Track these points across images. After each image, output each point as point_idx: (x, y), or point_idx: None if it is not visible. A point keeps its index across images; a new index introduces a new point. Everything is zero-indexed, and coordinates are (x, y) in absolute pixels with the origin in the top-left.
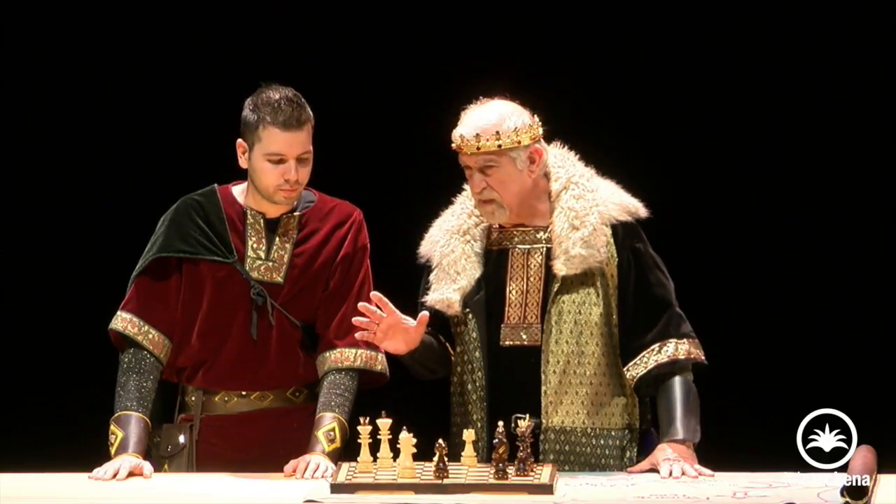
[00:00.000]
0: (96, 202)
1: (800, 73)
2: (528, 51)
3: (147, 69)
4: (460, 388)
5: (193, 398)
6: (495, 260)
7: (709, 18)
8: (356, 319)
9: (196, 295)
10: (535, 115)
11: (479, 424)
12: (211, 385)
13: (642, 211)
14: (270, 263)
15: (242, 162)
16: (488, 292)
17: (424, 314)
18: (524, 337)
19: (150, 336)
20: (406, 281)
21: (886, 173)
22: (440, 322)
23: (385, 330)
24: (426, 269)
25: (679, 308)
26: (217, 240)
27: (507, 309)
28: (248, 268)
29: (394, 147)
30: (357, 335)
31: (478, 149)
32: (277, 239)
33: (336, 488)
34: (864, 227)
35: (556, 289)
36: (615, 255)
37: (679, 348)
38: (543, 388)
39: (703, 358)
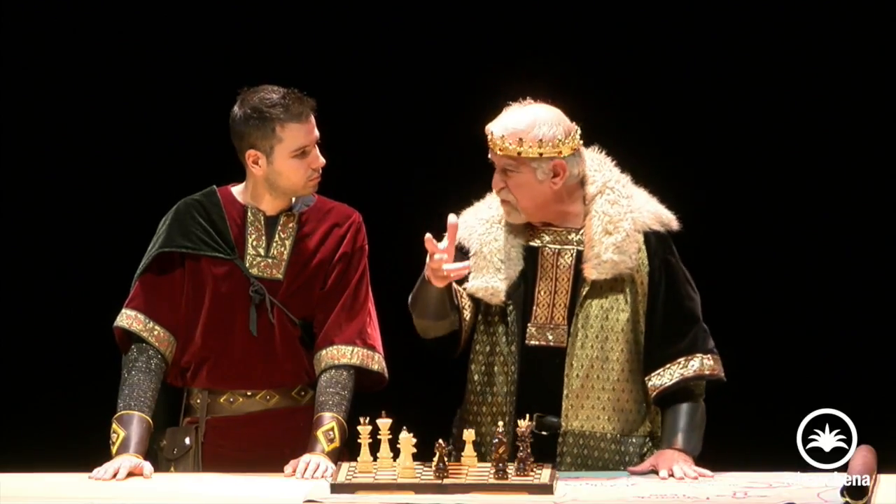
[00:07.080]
0: (98, 201)
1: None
2: (527, 52)
3: (148, 70)
4: (488, 385)
5: (198, 400)
6: (526, 256)
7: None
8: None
9: (198, 292)
10: (578, 128)
11: (507, 418)
12: (215, 384)
13: (675, 224)
14: (270, 260)
15: (257, 171)
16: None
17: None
18: (550, 338)
19: (156, 333)
20: (405, 282)
21: (885, 174)
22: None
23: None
24: (456, 251)
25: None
26: (218, 237)
27: (535, 308)
28: (248, 265)
29: (395, 148)
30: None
31: (500, 150)
32: (277, 236)
33: (336, 488)
34: (862, 227)
35: (584, 292)
36: (646, 263)
37: (704, 364)
38: (565, 391)
39: (723, 375)
